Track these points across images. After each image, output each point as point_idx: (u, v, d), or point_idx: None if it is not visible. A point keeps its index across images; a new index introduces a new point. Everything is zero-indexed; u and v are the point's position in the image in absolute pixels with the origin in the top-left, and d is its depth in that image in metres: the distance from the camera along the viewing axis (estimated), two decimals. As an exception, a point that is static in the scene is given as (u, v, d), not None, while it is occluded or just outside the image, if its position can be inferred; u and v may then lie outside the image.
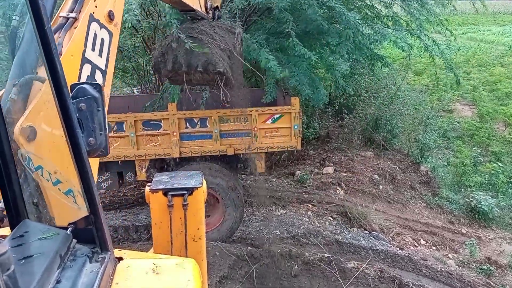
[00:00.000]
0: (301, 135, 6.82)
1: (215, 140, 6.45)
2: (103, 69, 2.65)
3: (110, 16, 2.65)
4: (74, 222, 1.67)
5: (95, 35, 2.55)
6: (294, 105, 6.55)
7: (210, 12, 4.63)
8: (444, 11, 9.55)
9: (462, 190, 9.33)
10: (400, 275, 5.75)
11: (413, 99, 11.82)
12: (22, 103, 2.01)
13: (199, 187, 2.75)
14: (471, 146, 11.33)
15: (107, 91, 2.76)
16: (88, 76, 2.53)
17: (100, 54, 2.62)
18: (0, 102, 1.89)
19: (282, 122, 6.60)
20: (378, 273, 5.55)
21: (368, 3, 9.03)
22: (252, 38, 6.73)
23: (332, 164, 8.66)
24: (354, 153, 9.21)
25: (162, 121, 6.33)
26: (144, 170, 6.39)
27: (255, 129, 6.53)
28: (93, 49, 2.54)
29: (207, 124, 6.46)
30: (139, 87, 9.55)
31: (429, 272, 6.29)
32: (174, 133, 6.32)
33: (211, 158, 6.61)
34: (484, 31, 25.01)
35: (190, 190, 2.72)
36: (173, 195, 2.67)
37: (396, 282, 5.36)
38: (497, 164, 10.22)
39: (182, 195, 2.68)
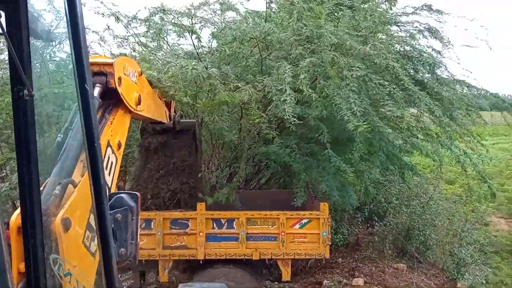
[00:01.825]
0: (330, 243, 6.61)
1: (241, 243, 6.34)
2: (109, 186, 3.10)
3: (119, 145, 3.26)
4: None
5: (108, 157, 3.09)
6: (323, 211, 6.47)
7: (171, 120, 5.87)
8: (473, 123, 9.65)
9: (506, 313, 8.53)
10: None
11: (446, 209, 11.44)
12: (60, 199, 2.30)
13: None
14: (511, 263, 10.58)
15: None
16: None
17: (109, 174, 3.13)
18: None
19: (310, 228, 6.48)
20: None
21: (399, 114, 9.27)
22: (285, 143, 6.93)
23: (362, 275, 8.18)
24: (386, 264, 8.73)
25: (190, 220, 6.33)
26: (167, 270, 6.25)
27: (282, 233, 6.41)
28: (106, 168, 3.01)
29: (234, 226, 6.40)
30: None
31: None
32: (201, 233, 6.27)
33: (236, 261, 6.43)
34: (515, 142, 24.85)
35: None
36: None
37: None
38: (542, 285, 9.41)
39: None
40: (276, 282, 7.67)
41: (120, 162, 3.35)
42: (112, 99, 3.32)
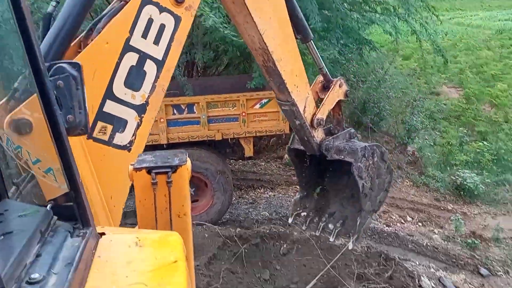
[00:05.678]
0: (289, 119, 6.88)
1: (203, 125, 6.50)
2: (159, 59, 2.36)
3: None
4: (54, 198, 1.65)
5: (151, 20, 2.29)
6: (281, 89, 6.59)
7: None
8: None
9: (448, 168, 9.48)
10: (386, 250, 5.91)
11: (400, 82, 11.92)
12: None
13: (183, 164, 2.74)
14: (458, 127, 11.46)
15: (163, 83, 2.46)
16: (132, 66, 2.32)
17: (157, 42, 2.33)
18: None
19: (270, 107, 6.65)
20: (365, 249, 5.72)
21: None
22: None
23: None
24: (342, 135, 9.31)
25: (150, 108, 6.36)
26: (132, 156, 6.43)
27: (244, 114, 6.59)
28: (144, 36, 2.29)
29: (195, 110, 6.51)
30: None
31: (415, 247, 6.47)
32: (161, 120, 6.36)
33: (199, 143, 6.66)
34: (471, 16, 25.06)
35: (174, 168, 2.71)
36: (156, 173, 2.66)
37: (383, 257, 5.49)
38: (482, 143, 10.36)
39: (166, 172, 2.69)
40: (240, 160, 8.14)
41: (188, 22, 2.46)
42: None
